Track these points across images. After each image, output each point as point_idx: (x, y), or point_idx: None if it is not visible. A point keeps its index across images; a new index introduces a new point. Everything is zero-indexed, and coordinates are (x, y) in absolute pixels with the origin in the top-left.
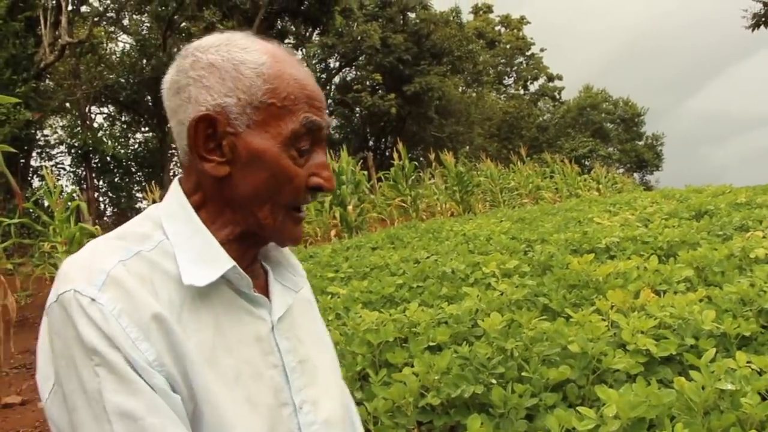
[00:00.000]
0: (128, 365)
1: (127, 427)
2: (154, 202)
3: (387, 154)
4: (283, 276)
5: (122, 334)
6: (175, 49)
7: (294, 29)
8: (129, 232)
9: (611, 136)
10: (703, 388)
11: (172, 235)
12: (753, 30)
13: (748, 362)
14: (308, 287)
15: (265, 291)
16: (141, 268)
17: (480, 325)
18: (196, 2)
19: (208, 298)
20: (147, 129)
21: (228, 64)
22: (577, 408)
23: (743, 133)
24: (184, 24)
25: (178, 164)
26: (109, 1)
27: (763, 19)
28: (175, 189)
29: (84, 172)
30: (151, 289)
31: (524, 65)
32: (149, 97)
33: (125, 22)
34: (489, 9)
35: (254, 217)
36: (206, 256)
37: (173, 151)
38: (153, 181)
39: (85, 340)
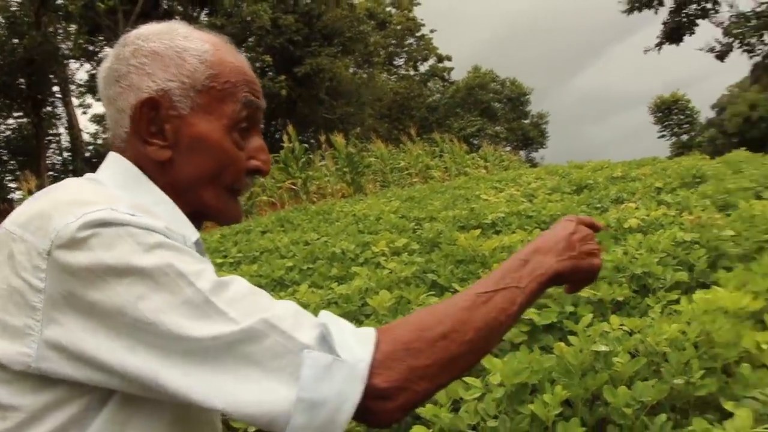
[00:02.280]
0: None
1: (206, 277)
2: (30, 192)
3: (277, 136)
4: None
5: (172, 240)
6: (51, 29)
7: (181, 9)
8: (96, 180)
9: (498, 115)
10: (581, 351)
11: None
12: (628, 14)
13: (621, 325)
14: None
15: None
16: None
17: (369, 304)
18: None
19: None
20: (20, 114)
21: (171, 51)
22: (464, 378)
23: (621, 111)
24: (60, 1)
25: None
26: None
27: (637, 4)
28: (119, 160)
29: None
30: None
31: (414, 46)
32: (23, 80)
33: None
34: None
35: (199, 199)
36: (177, 223)
37: (50, 137)
38: (28, 170)
39: (142, 238)
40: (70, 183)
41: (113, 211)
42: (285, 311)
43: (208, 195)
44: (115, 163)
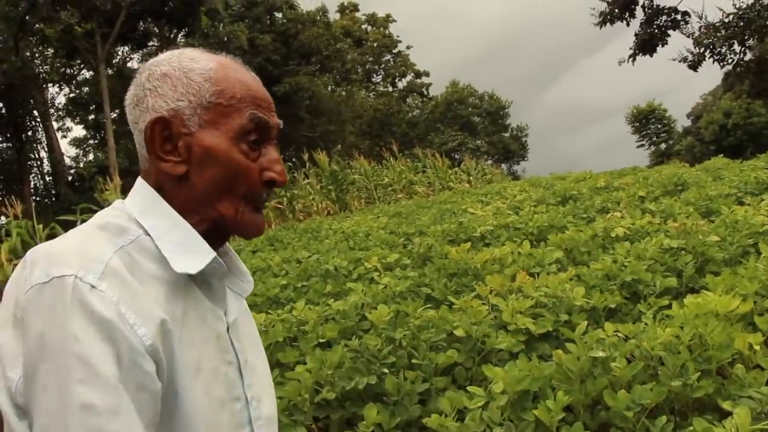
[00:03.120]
0: (110, 359)
1: (83, 421)
2: (16, 217)
3: None
4: (232, 281)
5: (122, 319)
6: (27, 53)
7: (158, 31)
8: (110, 223)
9: (478, 129)
10: (578, 358)
11: (152, 229)
12: (601, 27)
13: (615, 331)
14: None
15: None
16: (127, 260)
17: (368, 318)
18: (51, 2)
19: (178, 293)
20: (1, 139)
21: (179, 72)
22: (467, 388)
23: (596, 122)
24: (38, 26)
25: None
26: None
27: (609, 17)
28: (143, 186)
29: None
30: (136, 282)
31: (392, 63)
32: (2, 105)
33: None
34: (355, 8)
35: (216, 211)
36: (190, 246)
37: (32, 162)
38: (13, 195)
39: (71, 328)
40: (75, 233)
41: (77, 279)
42: None
43: (225, 207)
44: (138, 190)
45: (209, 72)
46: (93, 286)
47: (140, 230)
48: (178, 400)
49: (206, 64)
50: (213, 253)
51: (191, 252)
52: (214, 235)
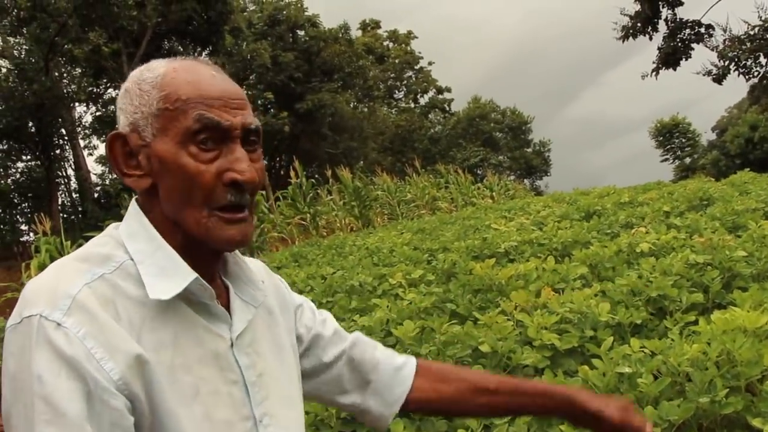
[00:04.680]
0: (77, 396)
1: None
2: (44, 234)
3: (282, 172)
4: (242, 291)
5: (87, 355)
6: (56, 73)
7: (182, 50)
8: (92, 253)
9: (501, 145)
10: (604, 374)
11: (135, 254)
12: (623, 41)
13: (641, 347)
14: (279, 293)
15: (227, 308)
16: (104, 290)
17: (394, 334)
18: (80, 24)
19: (167, 317)
20: (29, 157)
21: (134, 85)
22: None
23: (619, 136)
24: (67, 46)
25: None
26: None
27: (631, 31)
28: (133, 208)
29: None
30: (113, 312)
31: (413, 79)
32: (32, 124)
33: None
34: (377, 25)
35: (184, 224)
36: (169, 270)
37: (60, 179)
38: (42, 212)
39: (35, 367)
40: (53, 267)
41: (41, 318)
42: None
43: (190, 219)
44: (129, 212)
45: (157, 79)
46: (58, 324)
47: (126, 255)
48: (167, 429)
49: (157, 71)
50: (192, 276)
51: (169, 276)
52: (195, 248)
